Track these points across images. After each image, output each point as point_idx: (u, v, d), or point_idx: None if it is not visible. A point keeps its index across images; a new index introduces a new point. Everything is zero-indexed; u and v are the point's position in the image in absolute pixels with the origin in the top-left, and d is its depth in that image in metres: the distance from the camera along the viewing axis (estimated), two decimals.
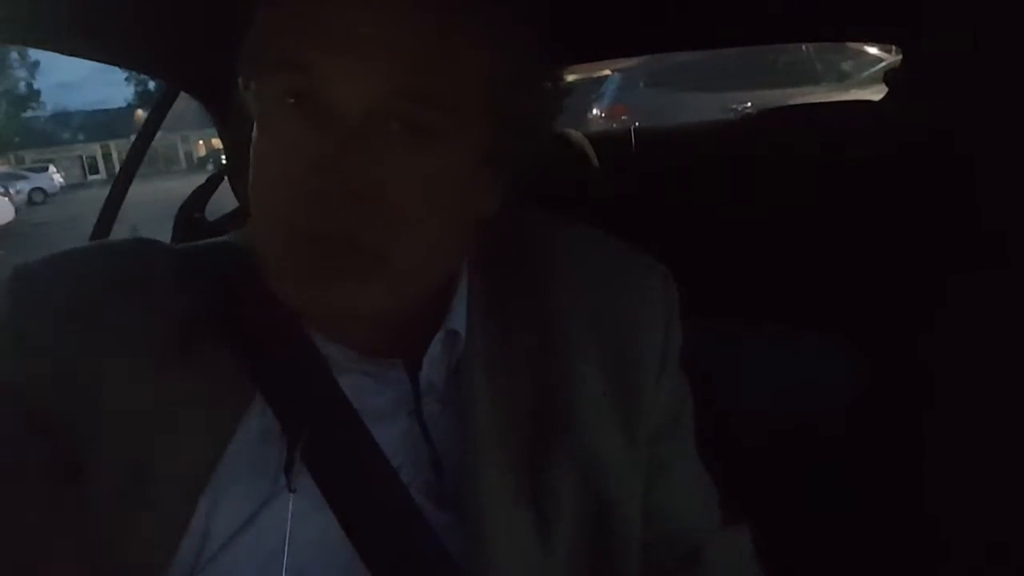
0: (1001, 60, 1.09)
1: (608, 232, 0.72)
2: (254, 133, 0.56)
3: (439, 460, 0.62)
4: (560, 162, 1.55)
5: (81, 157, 35.88)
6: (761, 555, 0.71)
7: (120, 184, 1.66)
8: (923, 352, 1.10)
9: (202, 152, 34.68)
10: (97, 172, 34.58)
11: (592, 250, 0.70)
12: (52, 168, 28.15)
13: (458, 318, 0.64)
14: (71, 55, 1.23)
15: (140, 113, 35.05)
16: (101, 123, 35.22)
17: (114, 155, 35.56)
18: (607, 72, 8.54)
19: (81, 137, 36.34)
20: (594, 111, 8.68)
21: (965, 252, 1.10)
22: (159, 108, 1.62)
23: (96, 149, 36.15)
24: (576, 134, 1.73)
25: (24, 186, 24.01)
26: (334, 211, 0.52)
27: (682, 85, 7.09)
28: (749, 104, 5.91)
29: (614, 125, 7.61)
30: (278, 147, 0.55)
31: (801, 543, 0.97)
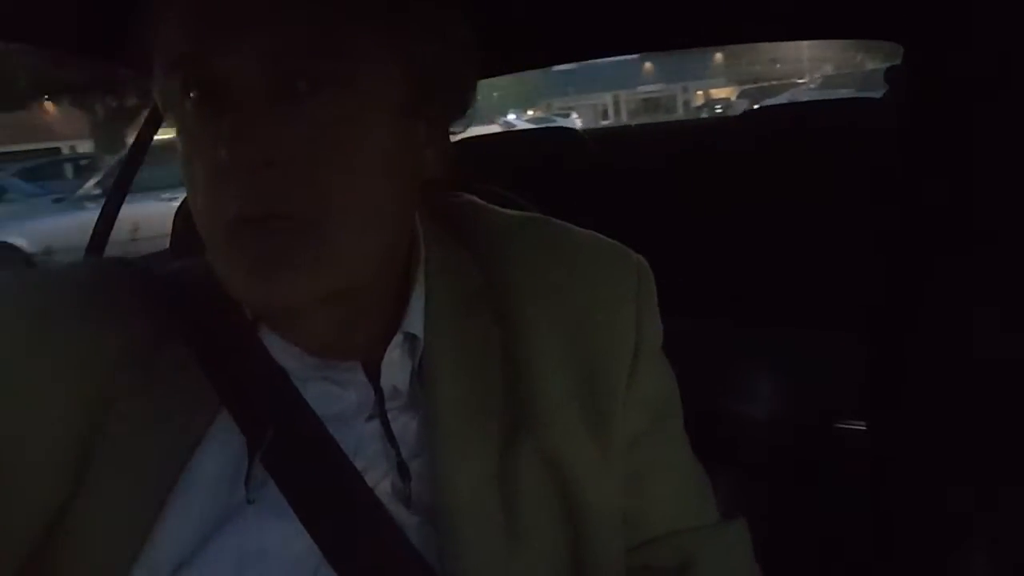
0: (1001, 58, 1.05)
1: (607, 229, 0.69)
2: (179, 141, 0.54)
3: (405, 463, 0.60)
4: (558, 157, 1.63)
5: (595, 105, 39.75)
6: (764, 553, 0.70)
7: (120, 185, 1.66)
8: (922, 347, 1.09)
9: (700, 101, 35.84)
10: (607, 118, 38.02)
11: (559, 242, 0.67)
12: (574, 115, 32.15)
13: (415, 320, 0.62)
14: (68, 51, 1.26)
15: (648, 66, 37.47)
16: (613, 75, 38.47)
17: (622, 104, 38.88)
18: None
19: (597, 87, 40.18)
20: None
21: (963, 250, 1.06)
22: (156, 111, 1.53)
23: (608, 98, 39.75)
24: (577, 131, 1.73)
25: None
26: (258, 188, 0.51)
27: None
28: None
29: None
30: (195, 147, 0.53)
31: (805, 542, 1.03)
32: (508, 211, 0.71)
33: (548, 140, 1.74)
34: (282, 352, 0.62)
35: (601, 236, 0.69)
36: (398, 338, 0.62)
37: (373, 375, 0.62)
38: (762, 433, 1.24)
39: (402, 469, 0.60)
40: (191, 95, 0.53)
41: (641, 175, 1.82)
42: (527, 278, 0.65)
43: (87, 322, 0.59)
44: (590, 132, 2.07)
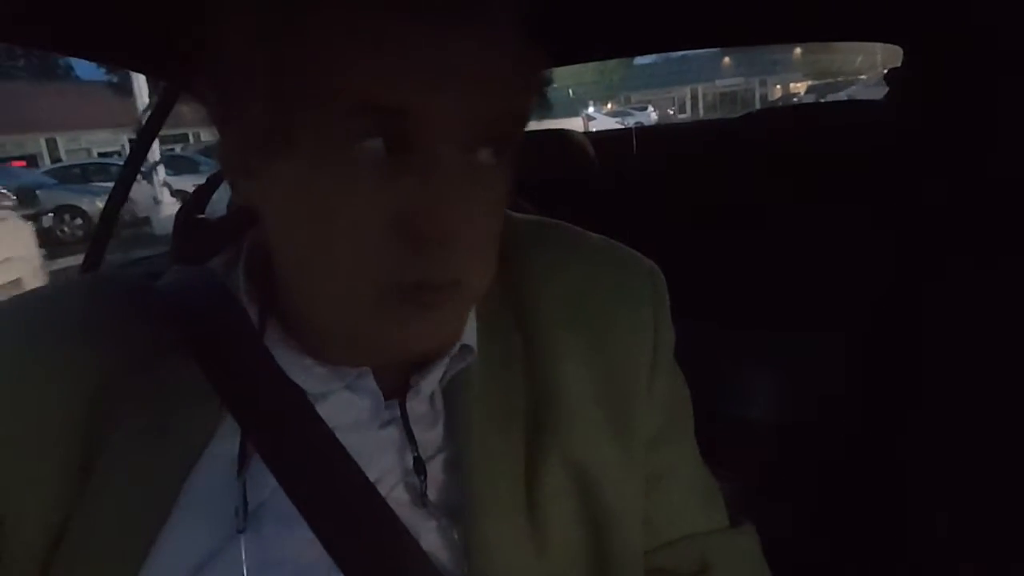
0: (1001, 58, 1.08)
1: (608, 231, 0.70)
2: (304, 178, 0.49)
3: (424, 469, 0.59)
4: (561, 161, 1.61)
5: (673, 98, 39.37)
6: (767, 555, 0.71)
7: (124, 181, 1.64)
8: (921, 349, 1.08)
9: (777, 95, 35.07)
10: (684, 112, 37.58)
11: (575, 246, 0.68)
12: (650, 107, 32.07)
13: (470, 331, 0.62)
14: (76, 56, 1.23)
15: (727, 60, 36.80)
16: (693, 69, 38.00)
17: (699, 97, 38.35)
18: None
19: (676, 81, 39.77)
20: None
21: (963, 250, 1.06)
22: (160, 109, 1.55)
23: (686, 92, 39.28)
24: (577, 133, 1.72)
25: (630, 121, 27.74)
26: (449, 255, 0.49)
27: None
28: None
29: None
30: (355, 196, 0.48)
31: (805, 543, 1.02)
32: (520, 215, 0.70)
33: (546, 142, 1.68)
34: (291, 365, 0.59)
35: (613, 241, 0.69)
36: (454, 348, 0.60)
37: (386, 380, 0.61)
38: (762, 435, 1.24)
39: (418, 465, 0.59)
40: (370, 142, 0.48)
41: (640, 177, 1.83)
42: (546, 283, 0.65)
43: (86, 332, 0.58)
44: (593, 134, 1.94)
